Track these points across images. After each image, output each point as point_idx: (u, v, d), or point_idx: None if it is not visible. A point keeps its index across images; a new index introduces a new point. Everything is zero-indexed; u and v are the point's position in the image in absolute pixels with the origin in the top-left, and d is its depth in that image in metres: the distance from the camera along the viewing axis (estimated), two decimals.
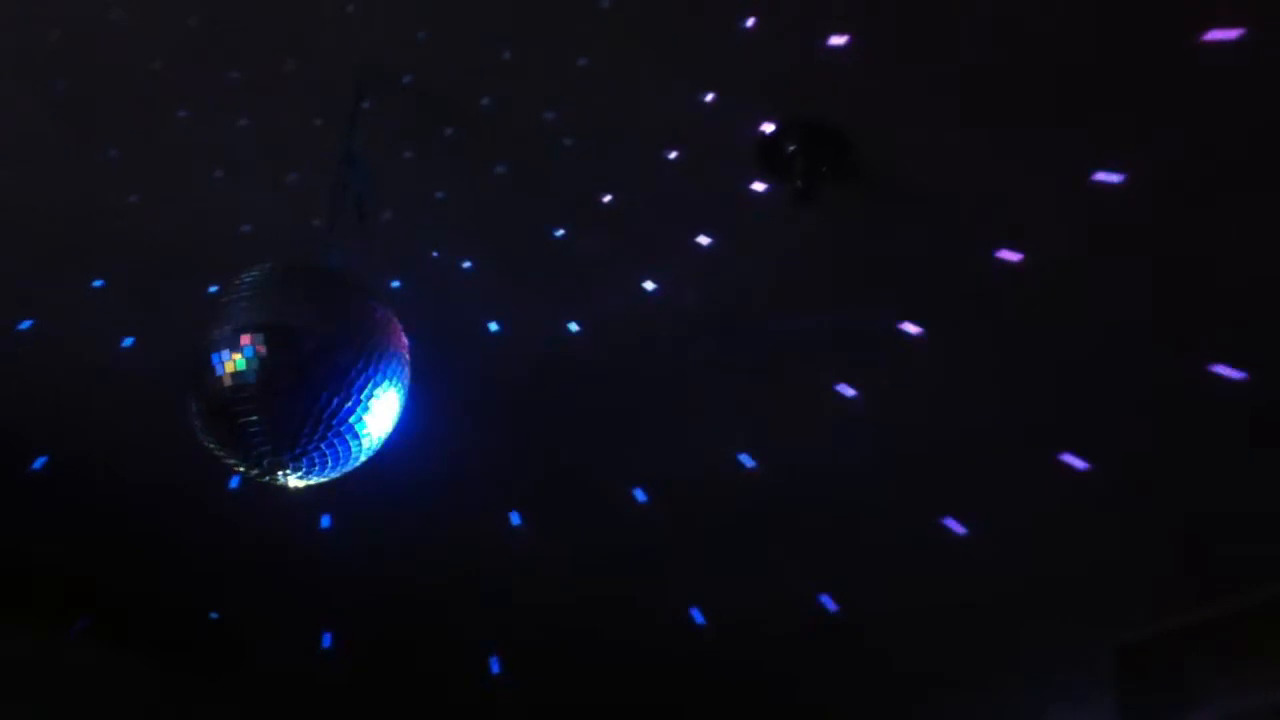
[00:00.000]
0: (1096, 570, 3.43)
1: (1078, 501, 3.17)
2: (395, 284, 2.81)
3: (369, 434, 2.01)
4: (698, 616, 3.80)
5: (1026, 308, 2.72)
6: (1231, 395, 2.77)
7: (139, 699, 4.16)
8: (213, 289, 2.76)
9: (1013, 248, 2.59)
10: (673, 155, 2.55)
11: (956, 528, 3.29)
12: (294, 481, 2.01)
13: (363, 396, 1.98)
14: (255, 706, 4.52)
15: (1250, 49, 2.13)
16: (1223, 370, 2.74)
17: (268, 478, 1.99)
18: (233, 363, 1.93)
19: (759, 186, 2.57)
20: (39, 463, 3.45)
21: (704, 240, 2.70)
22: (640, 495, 3.36)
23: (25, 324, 3.06)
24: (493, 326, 2.95)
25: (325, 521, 3.46)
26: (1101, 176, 2.41)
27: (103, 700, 4.07)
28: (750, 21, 2.28)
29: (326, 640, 4.12)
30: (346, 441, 1.98)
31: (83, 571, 3.95)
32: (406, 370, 2.09)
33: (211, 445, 2.01)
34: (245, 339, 1.94)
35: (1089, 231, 2.53)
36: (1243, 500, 3.08)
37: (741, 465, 3.22)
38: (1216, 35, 2.14)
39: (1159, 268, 2.58)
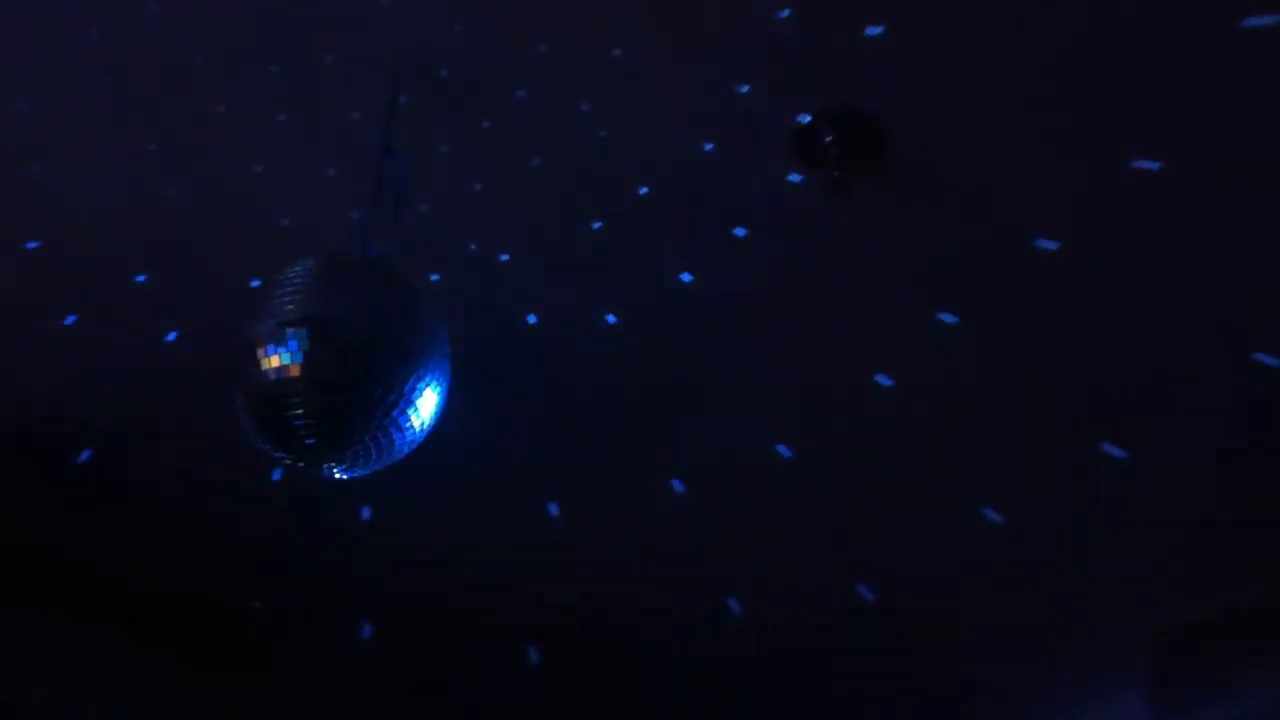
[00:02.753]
0: (1129, 562, 3.41)
1: (1112, 493, 3.15)
2: (434, 276, 2.83)
3: (412, 425, 2.02)
4: (734, 606, 3.80)
5: (1063, 296, 2.71)
6: (1270, 380, 2.76)
7: (172, 691, 4.19)
8: (254, 282, 2.79)
9: (1050, 236, 2.59)
10: (708, 146, 2.55)
11: (992, 518, 3.28)
12: (339, 474, 2.03)
13: (405, 389, 1.99)
14: (289, 699, 4.54)
15: None
16: (1264, 359, 2.73)
17: (313, 470, 2.01)
18: (277, 356, 1.95)
19: (794, 176, 2.57)
20: (83, 456, 3.48)
21: (740, 230, 2.70)
22: (677, 485, 3.37)
23: (69, 319, 3.09)
24: (530, 317, 2.97)
25: (365, 513, 3.48)
26: (1139, 164, 2.40)
27: (134, 693, 4.10)
28: (785, 11, 2.29)
29: (364, 632, 4.14)
30: (390, 433, 1.99)
31: (122, 564, 3.99)
32: (447, 362, 2.11)
33: (257, 438, 2.03)
34: (289, 332, 1.96)
35: (1126, 220, 2.52)
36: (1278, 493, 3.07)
37: (778, 455, 3.23)
38: (1255, 21, 2.13)
39: (1198, 256, 2.57)
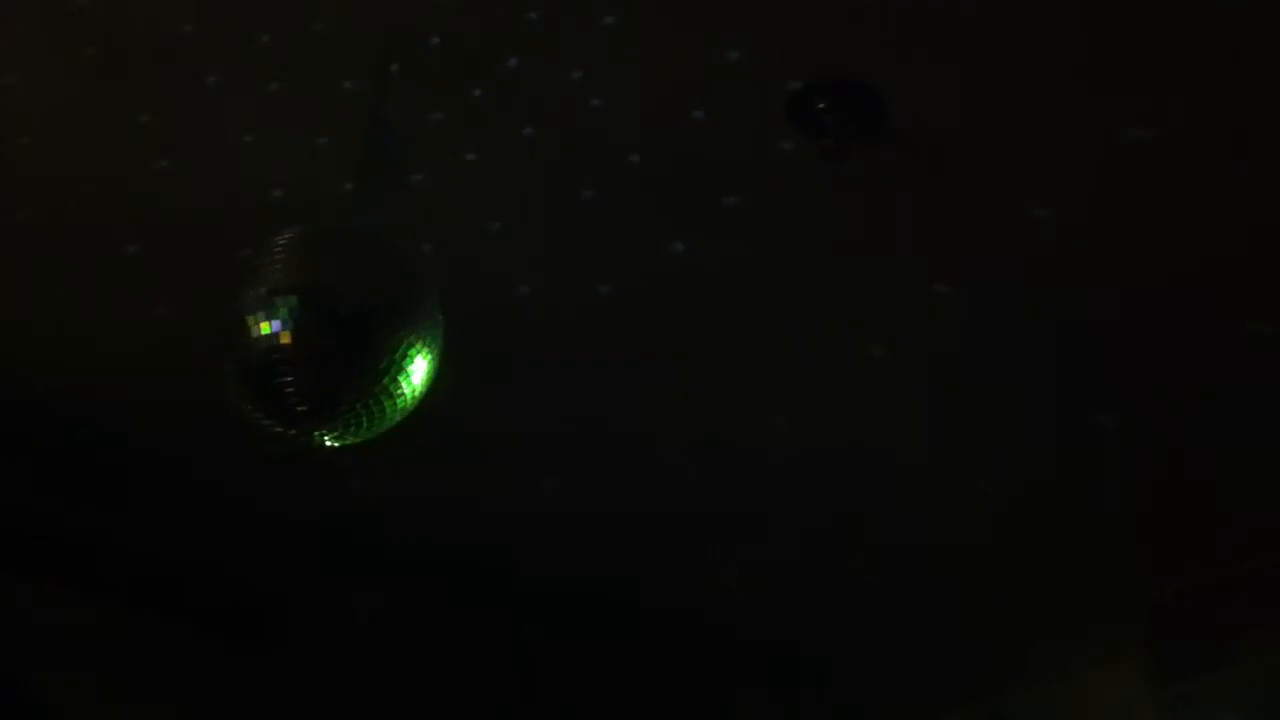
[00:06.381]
0: (1130, 525, 3.42)
1: (1111, 456, 3.16)
2: (425, 246, 2.82)
3: (403, 394, 2.02)
4: (733, 575, 3.81)
5: (1058, 264, 2.71)
6: (1267, 348, 2.76)
7: (177, 665, 4.20)
8: (246, 253, 2.78)
9: (1044, 204, 2.58)
10: (700, 114, 2.54)
11: (990, 484, 3.29)
12: (329, 442, 2.03)
13: (396, 357, 1.99)
14: (291, 674, 4.54)
15: None
16: (1259, 324, 2.72)
17: (303, 439, 2.00)
18: (267, 324, 1.95)
19: (788, 145, 2.56)
20: (78, 431, 3.48)
21: (733, 200, 2.69)
22: (674, 457, 3.36)
23: (61, 293, 3.08)
24: (522, 289, 2.96)
25: (357, 487, 3.48)
26: (1134, 131, 2.39)
27: (138, 666, 4.10)
28: None
29: (362, 608, 4.14)
30: (381, 402, 1.99)
31: (118, 539, 3.99)
32: (439, 330, 2.10)
33: (247, 407, 2.02)
34: (278, 300, 1.95)
35: (1122, 186, 2.52)
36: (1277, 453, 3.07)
37: (774, 425, 3.22)
38: None
39: (1193, 222, 2.56)
